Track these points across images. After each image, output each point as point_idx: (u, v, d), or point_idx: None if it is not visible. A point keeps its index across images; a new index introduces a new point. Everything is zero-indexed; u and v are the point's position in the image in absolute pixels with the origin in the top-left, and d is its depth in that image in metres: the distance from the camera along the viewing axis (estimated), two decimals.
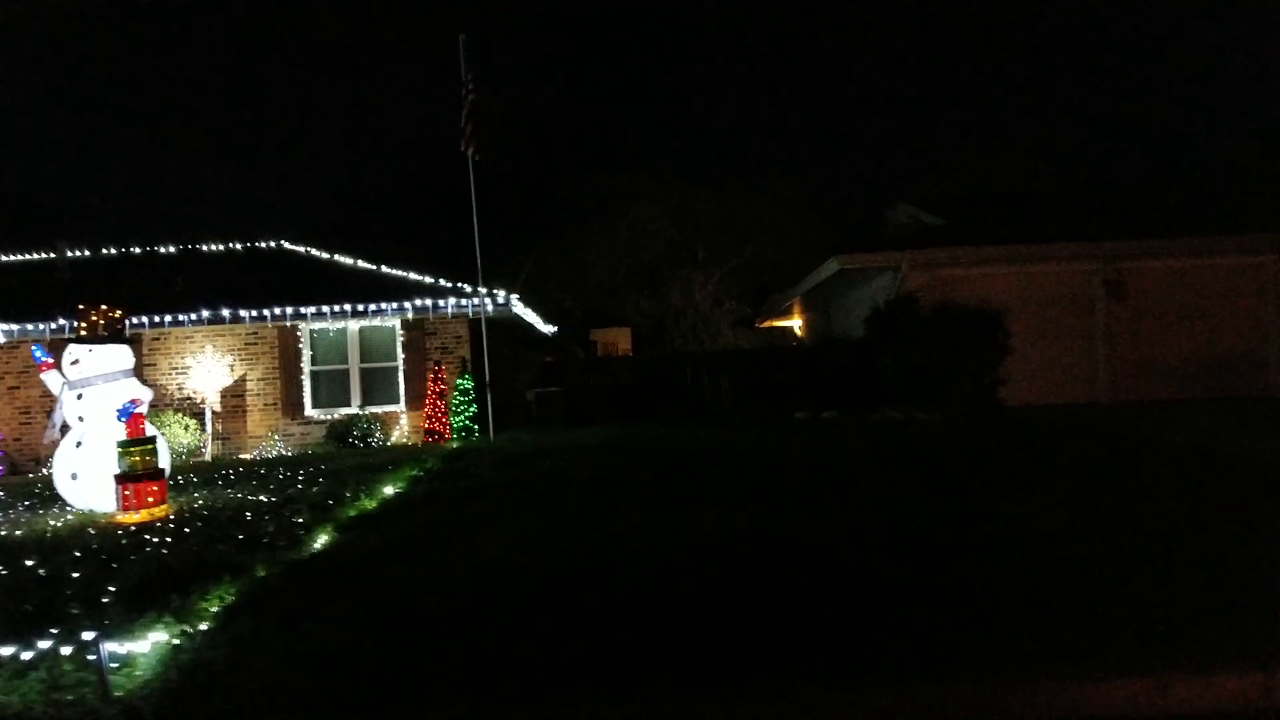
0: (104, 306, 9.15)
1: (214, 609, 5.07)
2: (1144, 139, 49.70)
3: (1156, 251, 16.27)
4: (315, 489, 9.54)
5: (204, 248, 20.44)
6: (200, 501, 9.26)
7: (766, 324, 30.26)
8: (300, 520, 7.63)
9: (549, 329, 22.36)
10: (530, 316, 19.26)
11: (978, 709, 3.76)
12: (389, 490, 9.13)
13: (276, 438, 16.60)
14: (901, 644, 4.10)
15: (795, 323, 28.21)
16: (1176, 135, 51.82)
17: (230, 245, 20.38)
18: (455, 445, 14.37)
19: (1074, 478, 7.64)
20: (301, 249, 19.79)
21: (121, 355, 9.17)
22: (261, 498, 9.21)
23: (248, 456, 16.03)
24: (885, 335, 14.89)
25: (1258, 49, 50.37)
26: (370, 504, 8.33)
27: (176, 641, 4.57)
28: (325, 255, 19.20)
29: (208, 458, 16.03)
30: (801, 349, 22.82)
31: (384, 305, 16.29)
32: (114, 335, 9.07)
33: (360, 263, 18.54)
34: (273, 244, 20.21)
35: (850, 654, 4.04)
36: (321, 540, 6.84)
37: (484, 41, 55.96)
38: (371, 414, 16.47)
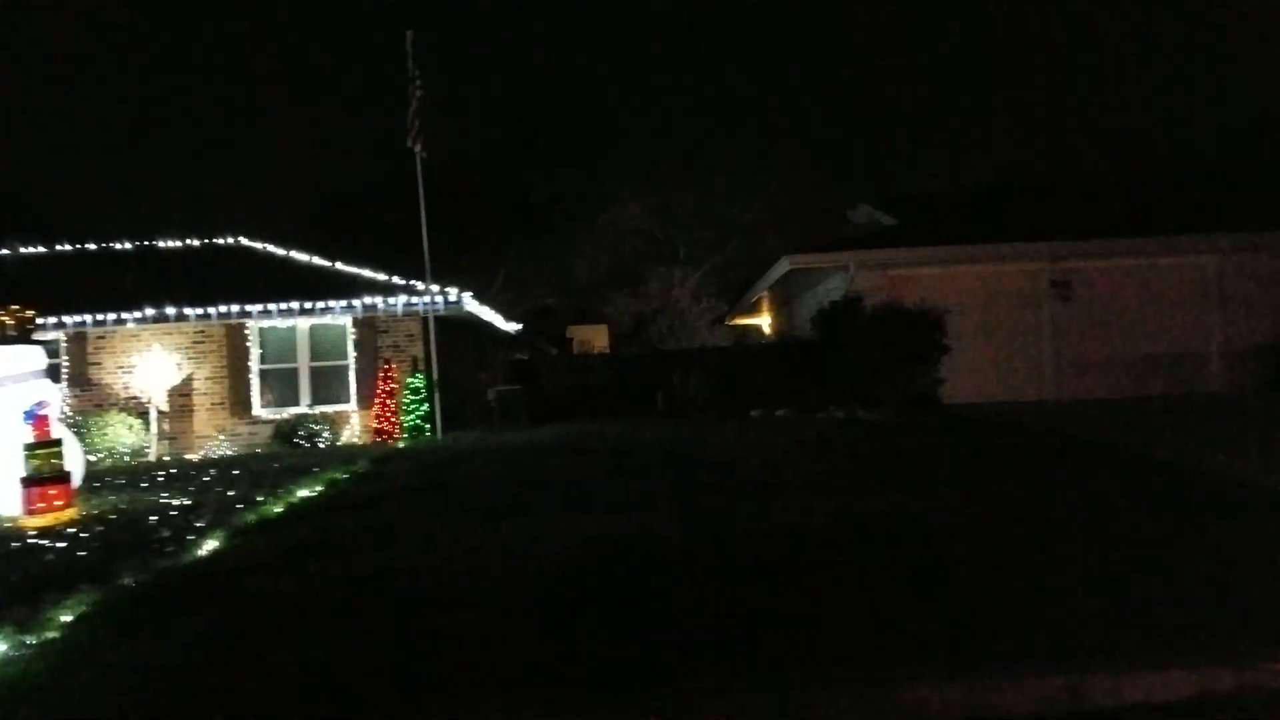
0: (14, 307, 9.06)
1: (65, 619, 5.02)
2: (1122, 137, 49.87)
3: (1101, 252, 16.33)
4: (232, 492, 9.48)
5: (161, 244, 20.28)
6: (113, 504, 9.18)
7: (735, 321, 30.26)
8: (200, 525, 7.57)
9: (512, 327, 22.29)
10: (489, 314, 19.20)
11: (779, 713, 3.74)
12: (303, 493, 9.07)
13: (223, 437, 16.50)
14: (735, 649, 4.07)
15: (764, 320, 28.22)
16: (1161, 132, 51.99)
17: (188, 242, 20.21)
18: (400, 445, 14.31)
19: (971, 477, 7.62)
20: (259, 245, 19.63)
21: (31, 356, 9.08)
22: (175, 501, 9.14)
23: (193, 456, 15.92)
24: (831, 335, 14.91)
25: (1236, 47, 50.54)
26: (277, 508, 8.26)
27: (15, 654, 4.52)
28: (281, 252, 19.05)
29: (152, 458, 15.92)
30: (762, 347, 22.88)
31: (331, 303, 16.21)
32: (23, 336, 8.98)
33: (315, 259, 18.40)
34: (231, 240, 20.04)
35: (689, 661, 4.01)
36: (209, 546, 6.77)
37: (465, 36, 55.78)
38: (321, 413, 16.37)
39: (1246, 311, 16.52)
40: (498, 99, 55.07)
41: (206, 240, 20.11)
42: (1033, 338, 16.60)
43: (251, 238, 20.01)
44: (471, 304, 16.76)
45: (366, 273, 17.26)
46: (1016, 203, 19.76)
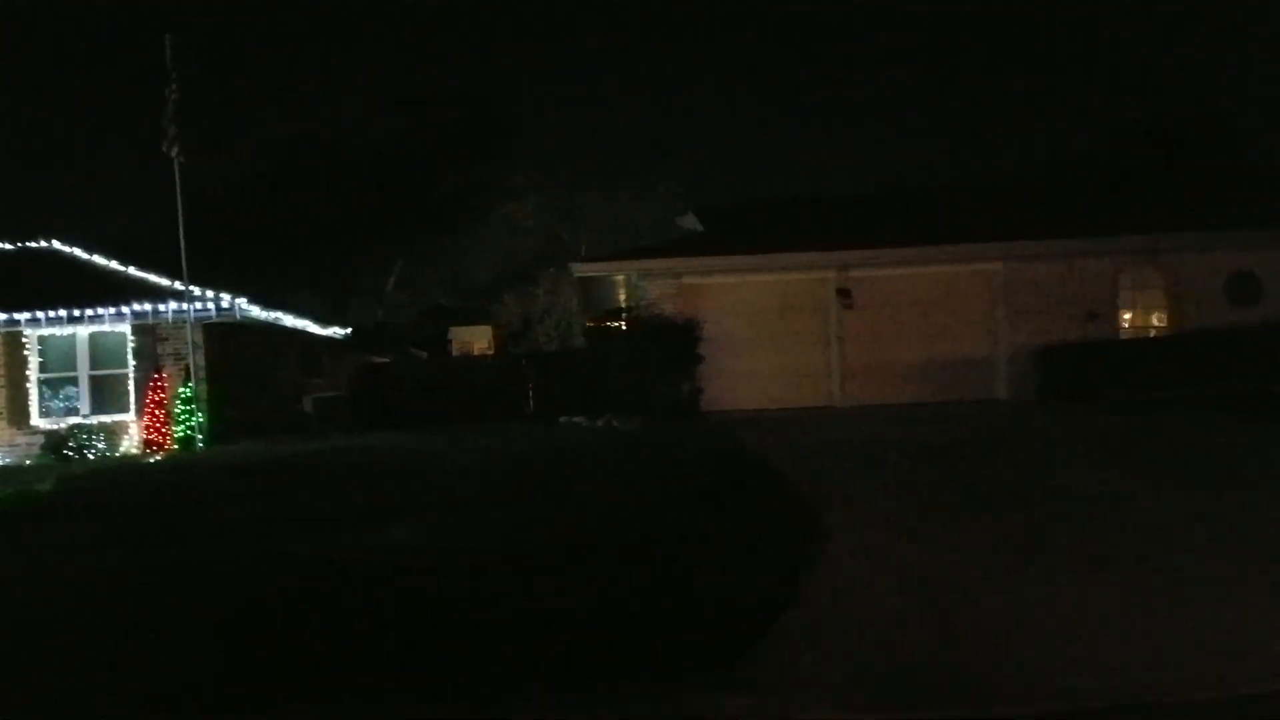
0: None
1: None
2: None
3: (886, 260, 16.53)
4: None
5: None
6: None
7: (594, 324, 30.19)
8: None
9: (333, 332, 21.97)
10: (292, 320, 18.89)
11: None
12: None
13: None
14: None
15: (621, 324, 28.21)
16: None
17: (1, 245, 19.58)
18: (155, 458, 14.01)
19: (587, 496, 7.56)
20: (68, 250, 19.06)
21: None
22: None
23: None
24: (602, 344, 14.94)
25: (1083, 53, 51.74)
26: None
27: None
28: (85, 256, 18.53)
29: None
30: (578, 353, 23.05)
31: (102, 310, 15.84)
32: None
33: (113, 264, 17.93)
34: (44, 244, 19.43)
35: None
36: None
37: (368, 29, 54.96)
38: (99, 424, 15.99)
39: (1029, 318, 16.86)
40: (400, 96, 54.46)
41: (20, 244, 19.50)
42: (822, 345, 16.77)
43: (65, 242, 19.46)
44: (252, 309, 16.46)
45: (152, 278, 16.86)
46: (822, 212, 19.90)
